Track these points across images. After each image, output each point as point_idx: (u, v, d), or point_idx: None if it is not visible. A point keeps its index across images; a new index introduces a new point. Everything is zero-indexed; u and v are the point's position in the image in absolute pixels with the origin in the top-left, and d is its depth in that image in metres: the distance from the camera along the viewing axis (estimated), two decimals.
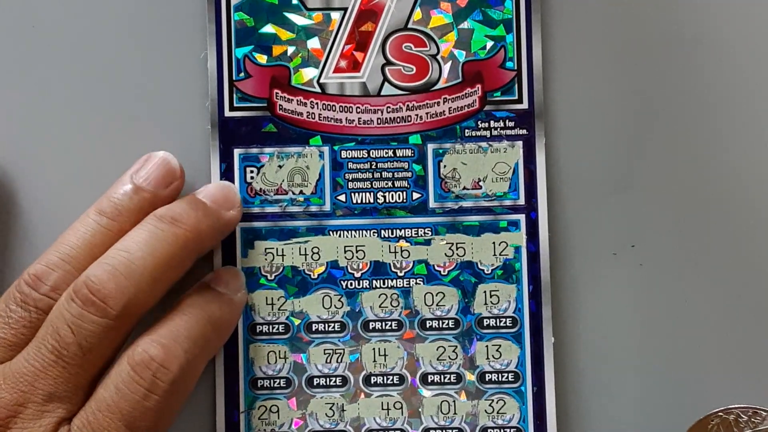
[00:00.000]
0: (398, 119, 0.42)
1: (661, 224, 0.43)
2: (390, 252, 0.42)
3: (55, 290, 0.38)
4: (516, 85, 0.42)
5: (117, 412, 0.37)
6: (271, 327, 0.42)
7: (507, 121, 0.42)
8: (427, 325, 0.42)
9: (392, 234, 0.42)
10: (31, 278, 0.39)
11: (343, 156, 0.42)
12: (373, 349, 0.42)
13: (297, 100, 0.42)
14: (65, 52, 0.43)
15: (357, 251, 0.42)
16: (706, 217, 0.43)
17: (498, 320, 0.42)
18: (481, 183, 0.42)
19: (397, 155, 0.42)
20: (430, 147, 0.42)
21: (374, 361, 0.42)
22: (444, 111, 0.42)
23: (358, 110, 0.42)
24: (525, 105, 0.42)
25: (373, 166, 0.42)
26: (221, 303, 0.40)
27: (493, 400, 0.42)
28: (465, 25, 0.42)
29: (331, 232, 0.42)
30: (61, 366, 0.37)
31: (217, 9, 0.42)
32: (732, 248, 0.43)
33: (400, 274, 0.42)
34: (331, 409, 0.42)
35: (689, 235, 0.43)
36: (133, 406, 0.37)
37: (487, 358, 0.42)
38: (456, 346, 0.42)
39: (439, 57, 0.42)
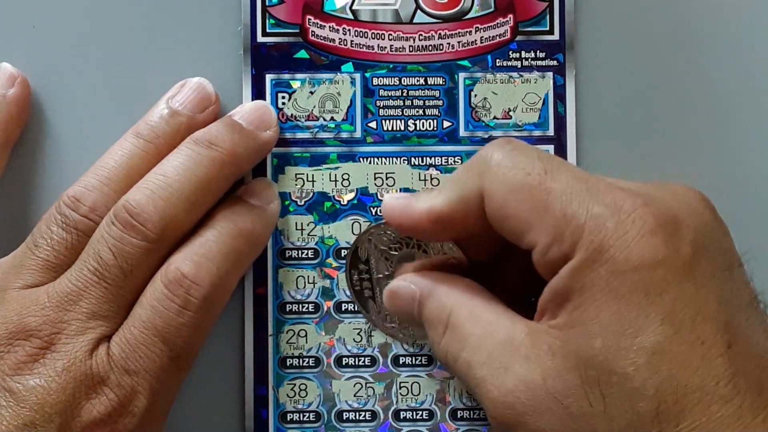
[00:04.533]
0: (430, 47, 0.42)
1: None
2: (420, 180, 0.42)
3: (93, 211, 0.39)
4: (548, 17, 0.42)
5: (152, 328, 0.38)
6: (300, 252, 0.42)
7: (538, 51, 0.42)
8: None
9: (422, 162, 0.42)
10: (70, 200, 0.39)
11: (374, 83, 0.42)
12: None
13: (329, 27, 0.42)
14: None
15: (387, 178, 0.42)
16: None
17: None
18: (511, 113, 0.43)
19: (428, 83, 0.42)
20: (461, 76, 0.42)
21: None
22: (476, 40, 0.42)
23: (390, 37, 0.42)
24: (556, 36, 0.42)
25: (404, 94, 0.42)
26: (253, 215, 0.40)
27: None
28: None
29: (361, 159, 0.42)
30: (103, 286, 0.38)
31: None
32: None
33: None
34: (358, 334, 0.42)
35: None
36: (167, 322, 0.38)
37: None
38: None
39: None
